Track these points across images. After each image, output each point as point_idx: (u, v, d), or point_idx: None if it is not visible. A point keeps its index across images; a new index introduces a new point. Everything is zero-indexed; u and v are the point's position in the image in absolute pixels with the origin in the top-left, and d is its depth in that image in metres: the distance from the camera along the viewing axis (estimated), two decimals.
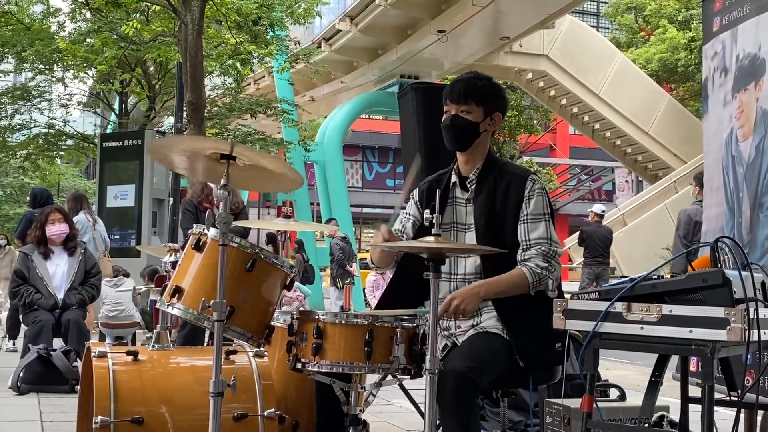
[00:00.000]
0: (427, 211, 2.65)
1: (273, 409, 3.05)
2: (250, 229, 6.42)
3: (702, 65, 5.20)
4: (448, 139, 3.00)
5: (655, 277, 2.49)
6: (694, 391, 2.66)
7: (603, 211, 12.15)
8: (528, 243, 2.88)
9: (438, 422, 2.61)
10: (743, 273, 2.38)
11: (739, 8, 4.56)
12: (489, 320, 2.87)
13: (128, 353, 3.07)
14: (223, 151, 2.66)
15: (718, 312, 2.27)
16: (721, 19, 4.78)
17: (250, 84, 21.89)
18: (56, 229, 6.27)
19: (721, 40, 4.76)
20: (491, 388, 2.96)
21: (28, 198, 11.62)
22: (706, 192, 5.21)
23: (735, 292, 2.32)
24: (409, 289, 3.03)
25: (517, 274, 2.83)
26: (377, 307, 3.09)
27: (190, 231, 2.88)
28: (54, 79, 18.15)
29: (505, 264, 2.86)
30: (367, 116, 29.79)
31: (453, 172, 3.07)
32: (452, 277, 2.99)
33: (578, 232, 12.59)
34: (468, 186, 3.01)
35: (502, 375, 2.80)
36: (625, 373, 7.30)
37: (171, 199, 11.54)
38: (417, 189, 3.20)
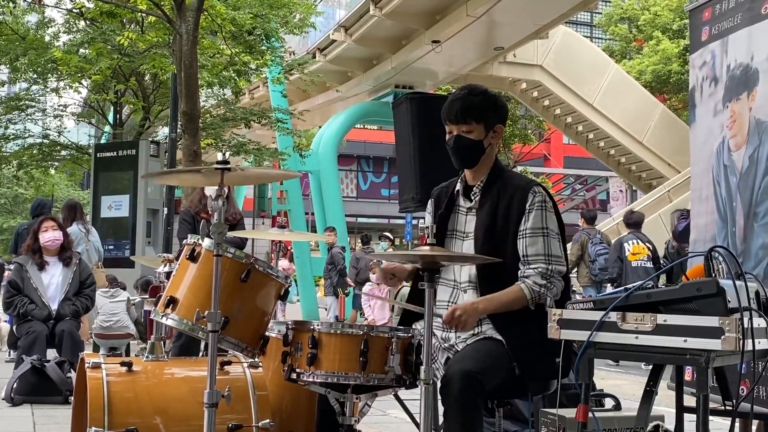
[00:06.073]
0: (421, 220, 2.65)
1: (268, 420, 3.04)
2: (246, 239, 6.40)
3: None
4: (455, 159, 3.01)
5: (650, 286, 2.49)
6: (689, 401, 2.66)
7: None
8: (526, 258, 2.88)
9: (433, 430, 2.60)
10: (737, 282, 2.39)
11: (730, 18, 4.57)
12: (490, 330, 2.88)
13: (122, 364, 3.07)
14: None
15: (712, 321, 2.27)
16: (710, 29, 4.79)
17: (245, 94, 21.87)
18: (49, 236, 6.21)
19: (711, 49, 4.77)
20: (488, 398, 2.95)
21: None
22: (693, 201, 5.21)
23: (729, 301, 2.32)
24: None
25: (516, 290, 2.83)
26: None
27: (184, 241, 2.88)
28: (48, 89, 18.10)
29: (501, 274, 2.86)
30: (361, 126, 29.83)
31: (459, 181, 3.09)
32: (455, 284, 3.00)
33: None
34: (472, 196, 3.03)
35: (500, 384, 2.79)
36: (620, 383, 7.29)
37: (165, 209, 11.51)
38: (431, 199, 3.20)
